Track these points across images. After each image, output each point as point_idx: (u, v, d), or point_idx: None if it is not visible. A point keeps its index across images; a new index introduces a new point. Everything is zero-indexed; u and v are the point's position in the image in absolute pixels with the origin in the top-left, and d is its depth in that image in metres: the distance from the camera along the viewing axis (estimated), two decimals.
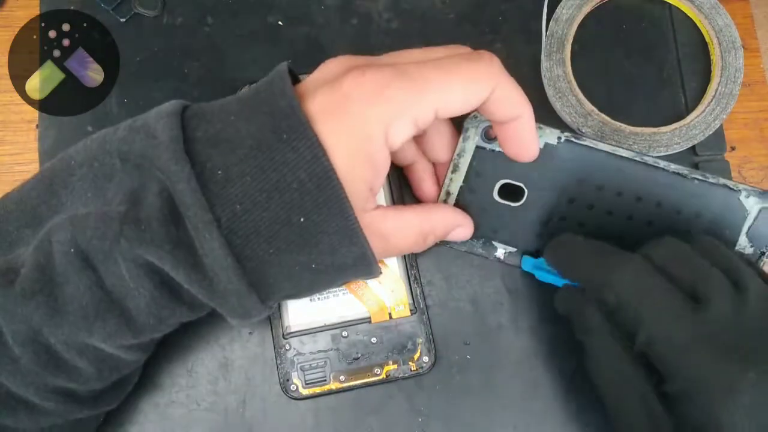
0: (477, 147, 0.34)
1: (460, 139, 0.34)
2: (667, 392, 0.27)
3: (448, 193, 0.35)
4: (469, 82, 0.28)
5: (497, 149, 0.34)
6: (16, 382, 0.27)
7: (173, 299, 0.27)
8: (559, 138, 0.34)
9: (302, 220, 0.26)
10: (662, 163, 0.34)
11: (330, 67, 0.29)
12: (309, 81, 0.29)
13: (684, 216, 0.34)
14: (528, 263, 0.35)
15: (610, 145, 0.34)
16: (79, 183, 0.27)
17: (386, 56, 0.30)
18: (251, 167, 0.26)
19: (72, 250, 0.26)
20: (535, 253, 0.36)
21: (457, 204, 0.35)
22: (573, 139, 0.34)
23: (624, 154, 0.34)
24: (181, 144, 0.26)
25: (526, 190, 0.34)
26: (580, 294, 0.32)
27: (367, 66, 0.27)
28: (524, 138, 0.30)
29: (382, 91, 0.26)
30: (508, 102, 0.29)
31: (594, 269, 0.31)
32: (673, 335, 0.27)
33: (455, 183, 0.35)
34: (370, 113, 0.26)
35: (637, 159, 0.33)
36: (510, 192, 0.35)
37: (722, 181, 0.33)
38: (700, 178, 0.33)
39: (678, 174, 0.33)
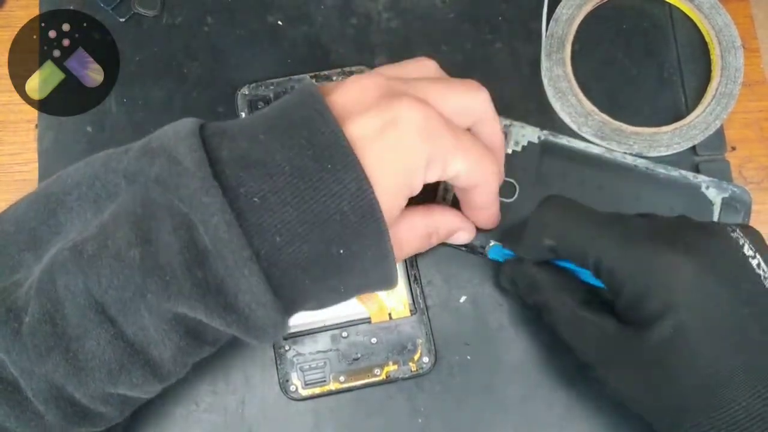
0: None
1: None
2: (620, 311, 0.29)
3: (446, 190, 0.36)
4: (485, 173, 0.30)
5: None
6: None
7: (199, 344, 0.27)
8: (539, 137, 0.37)
9: (342, 251, 0.25)
10: (629, 159, 0.36)
11: (366, 86, 0.27)
12: (343, 100, 0.27)
13: (660, 210, 0.34)
14: (495, 251, 0.36)
15: (585, 142, 0.36)
16: (78, 203, 0.26)
17: (419, 83, 0.29)
18: (292, 196, 0.24)
19: (85, 302, 0.24)
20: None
21: (454, 200, 0.35)
22: (551, 137, 0.36)
23: (596, 151, 0.36)
24: (208, 168, 0.24)
25: (517, 186, 0.36)
26: (522, 262, 0.33)
27: (417, 99, 0.27)
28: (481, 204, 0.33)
29: (432, 131, 0.27)
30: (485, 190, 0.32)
31: (530, 229, 0.32)
32: (612, 244, 0.28)
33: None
34: (419, 147, 0.26)
35: (607, 156, 0.36)
36: (503, 190, 0.35)
37: (683, 173, 0.36)
38: (663, 172, 0.36)
39: (645, 169, 0.36)
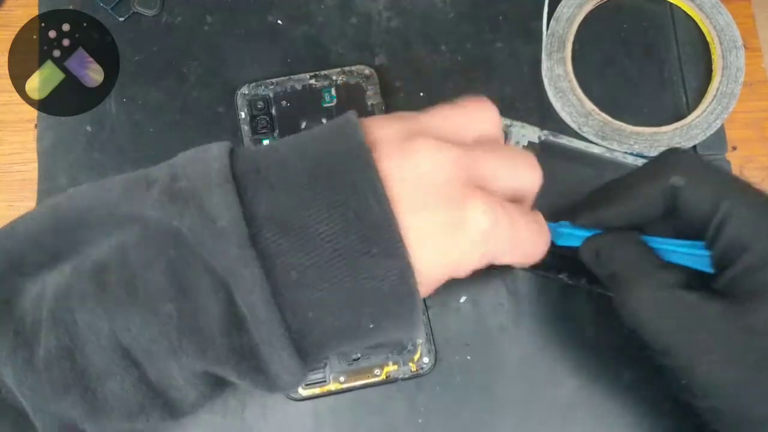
0: None
1: None
2: (726, 282, 0.27)
3: None
4: (529, 259, 0.28)
5: None
6: None
7: (221, 391, 0.26)
8: (540, 137, 0.37)
9: (371, 326, 0.24)
10: (630, 159, 0.36)
11: (440, 166, 0.24)
12: (408, 176, 0.24)
13: None
14: (567, 234, 0.33)
15: (585, 142, 0.37)
16: (98, 225, 0.25)
17: (488, 163, 0.26)
18: (331, 275, 0.23)
19: (109, 344, 0.23)
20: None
21: None
22: (551, 138, 0.37)
23: (596, 151, 0.37)
24: (245, 229, 0.22)
25: None
26: (613, 234, 0.30)
27: (490, 202, 0.25)
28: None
29: (496, 236, 0.25)
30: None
31: (649, 172, 0.29)
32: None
33: None
34: (476, 252, 0.25)
35: (607, 155, 0.36)
36: None
37: None
38: None
39: None
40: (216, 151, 0.24)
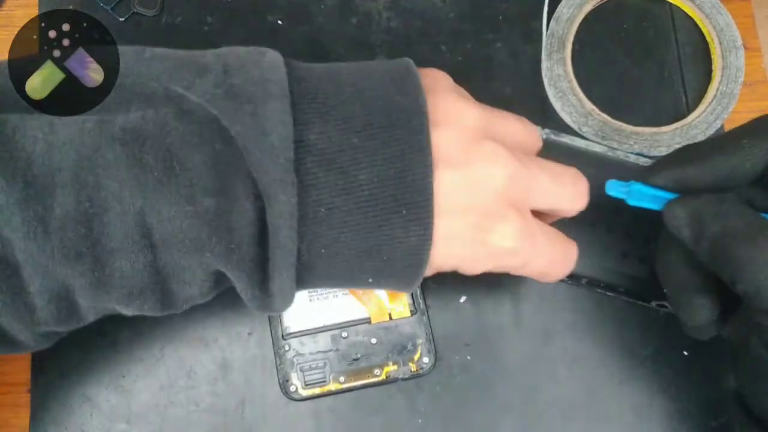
0: None
1: None
2: None
3: None
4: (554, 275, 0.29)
5: None
6: (18, 327, 0.24)
7: (215, 292, 0.26)
8: (542, 135, 0.36)
9: (370, 281, 0.26)
10: (632, 157, 0.36)
11: (494, 173, 0.25)
12: (456, 163, 0.25)
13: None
14: (615, 187, 0.30)
15: (586, 140, 0.36)
16: (129, 93, 0.23)
17: (535, 179, 0.27)
18: (356, 222, 0.24)
19: (133, 221, 0.22)
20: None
21: None
22: (552, 136, 0.36)
23: (598, 149, 0.36)
24: (292, 155, 0.22)
25: None
26: (715, 198, 0.25)
27: (530, 226, 0.26)
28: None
29: (513, 251, 0.26)
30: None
31: (755, 124, 0.26)
32: None
33: None
34: (492, 262, 0.27)
35: (610, 155, 0.36)
36: None
37: None
38: None
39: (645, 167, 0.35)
40: (272, 57, 0.24)
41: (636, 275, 0.34)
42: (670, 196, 0.27)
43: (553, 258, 0.28)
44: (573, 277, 0.35)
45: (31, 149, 0.22)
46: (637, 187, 0.28)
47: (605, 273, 0.35)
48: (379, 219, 0.24)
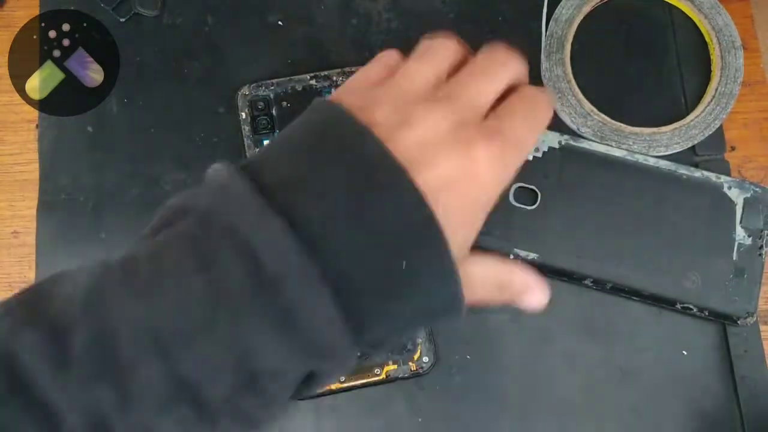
0: None
1: None
2: None
3: None
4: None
5: None
6: None
7: (255, 393, 0.25)
8: (560, 141, 0.36)
9: (403, 265, 0.25)
10: (651, 160, 0.36)
11: (438, 125, 0.26)
12: (411, 140, 0.26)
13: (683, 212, 0.34)
14: None
15: (605, 145, 0.36)
16: None
17: (472, 93, 0.28)
18: (347, 217, 0.24)
19: (141, 329, 0.23)
20: None
21: None
22: (572, 142, 0.36)
23: (618, 154, 0.36)
24: (259, 193, 0.23)
25: (539, 193, 0.36)
26: None
27: (494, 133, 0.26)
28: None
29: (504, 161, 0.27)
30: None
31: None
32: None
33: None
34: (496, 183, 0.26)
35: (629, 158, 0.36)
36: (525, 198, 0.36)
37: (705, 174, 0.35)
38: (686, 173, 0.36)
39: (668, 171, 0.35)
40: (216, 166, 0.25)
41: (662, 281, 0.34)
42: None
43: (526, 114, 0.28)
44: (598, 283, 0.35)
45: (58, 303, 0.24)
46: None
47: (633, 280, 0.35)
48: (365, 203, 0.24)
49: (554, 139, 0.36)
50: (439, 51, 0.29)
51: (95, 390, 0.23)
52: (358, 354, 0.27)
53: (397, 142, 0.26)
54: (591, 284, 0.35)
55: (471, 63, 0.29)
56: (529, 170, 0.36)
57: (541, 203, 0.36)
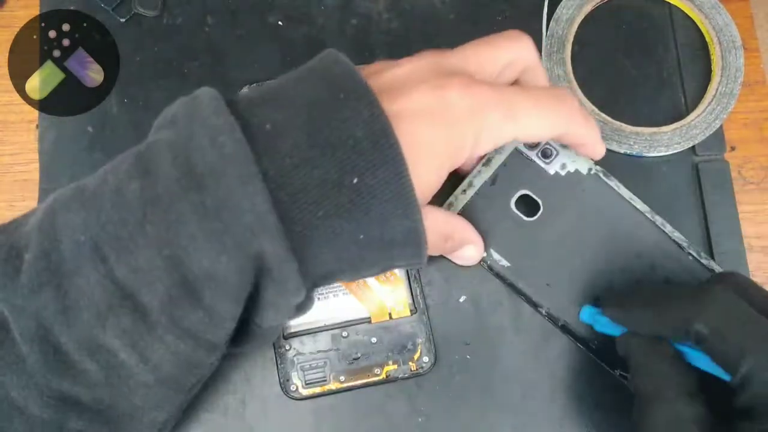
0: (515, 149, 0.35)
1: None
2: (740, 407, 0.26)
3: (470, 184, 0.35)
4: (553, 123, 0.29)
5: (532, 158, 0.35)
6: (20, 384, 0.25)
7: (192, 300, 0.24)
8: (590, 169, 0.34)
9: (355, 181, 0.24)
10: (668, 228, 0.34)
11: (416, 67, 0.28)
12: (389, 78, 0.28)
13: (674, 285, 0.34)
14: (588, 313, 0.33)
15: (629, 192, 0.34)
16: None
17: (460, 55, 0.29)
18: (303, 122, 0.24)
19: (81, 237, 0.24)
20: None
21: (474, 200, 0.34)
22: (601, 176, 0.34)
23: (638, 206, 0.34)
24: (222, 100, 0.24)
25: (541, 207, 0.34)
26: (650, 344, 0.29)
27: (471, 79, 0.27)
28: (589, 150, 0.33)
29: (482, 109, 0.27)
30: (579, 138, 0.31)
31: (678, 306, 0.29)
32: None
33: (482, 176, 0.35)
34: (469, 127, 0.26)
35: (647, 215, 0.34)
36: (526, 207, 0.35)
37: (711, 265, 0.34)
38: (694, 255, 0.34)
39: (676, 243, 0.34)
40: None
41: (609, 340, 0.33)
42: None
43: (540, 103, 0.29)
44: (534, 302, 0.35)
45: (23, 231, 0.26)
46: (604, 319, 0.32)
47: (583, 326, 0.34)
48: (324, 111, 0.25)
49: (585, 165, 0.34)
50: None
51: (39, 298, 0.24)
52: (309, 286, 0.25)
53: (376, 79, 0.27)
54: (545, 315, 0.35)
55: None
56: (544, 183, 0.34)
57: (539, 219, 0.34)
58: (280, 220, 0.23)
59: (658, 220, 0.34)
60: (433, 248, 0.31)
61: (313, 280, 0.26)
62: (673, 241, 0.34)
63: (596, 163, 0.34)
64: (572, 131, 0.30)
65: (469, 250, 0.33)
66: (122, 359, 0.25)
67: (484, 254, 0.34)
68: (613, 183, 0.34)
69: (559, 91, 0.30)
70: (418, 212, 0.25)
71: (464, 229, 0.32)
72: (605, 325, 0.32)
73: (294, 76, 0.26)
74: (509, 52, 0.30)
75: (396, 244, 0.26)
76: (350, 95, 0.24)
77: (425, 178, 0.26)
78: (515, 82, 0.32)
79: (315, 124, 0.24)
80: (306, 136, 0.24)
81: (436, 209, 0.31)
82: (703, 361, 0.29)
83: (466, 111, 0.26)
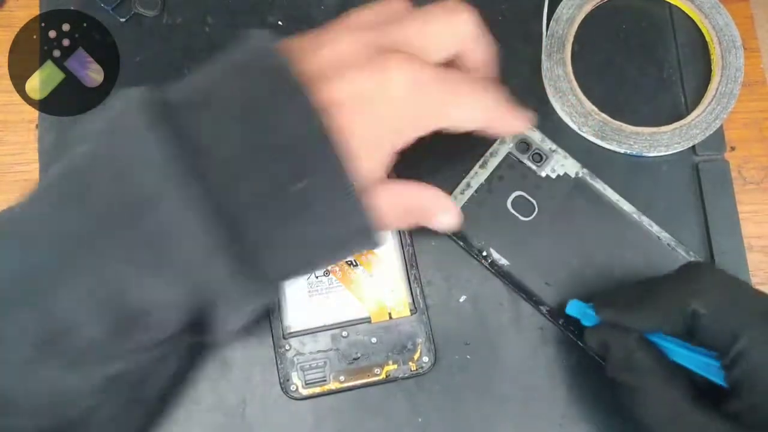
0: (509, 153, 0.37)
1: (497, 141, 0.37)
2: (741, 409, 0.26)
3: (468, 185, 0.37)
4: (487, 115, 0.28)
5: (526, 162, 0.37)
6: None
7: (129, 333, 0.23)
8: (577, 173, 0.37)
9: (299, 186, 0.23)
10: (655, 228, 0.36)
11: (354, 44, 0.26)
12: (325, 59, 0.26)
13: None
14: (576, 307, 0.34)
15: (618, 195, 0.36)
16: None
17: (396, 28, 0.27)
18: (240, 130, 0.23)
19: (9, 275, 0.23)
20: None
21: (472, 200, 0.36)
22: (588, 178, 0.36)
23: (625, 208, 0.36)
24: (152, 107, 0.23)
25: (536, 208, 0.36)
26: (623, 333, 0.30)
27: (411, 57, 0.26)
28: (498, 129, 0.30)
29: (421, 88, 0.25)
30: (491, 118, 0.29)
31: (671, 289, 0.29)
32: None
33: (478, 178, 0.37)
34: (410, 109, 0.25)
35: (634, 217, 0.36)
36: (522, 207, 0.36)
37: (697, 260, 0.35)
38: (683, 253, 0.36)
39: (663, 241, 0.36)
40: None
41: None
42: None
43: (476, 100, 0.27)
44: (535, 300, 0.36)
45: None
46: (591, 312, 0.32)
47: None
48: (258, 114, 0.23)
49: (573, 168, 0.37)
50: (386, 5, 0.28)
51: None
52: (263, 289, 0.25)
53: (310, 61, 0.25)
54: (545, 313, 0.36)
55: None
56: (538, 185, 0.36)
57: (535, 219, 0.36)
58: (227, 239, 0.22)
59: (645, 220, 0.36)
60: (396, 223, 0.29)
61: (268, 282, 0.25)
62: (659, 239, 0.36)
63: (596, 162, 0.36)
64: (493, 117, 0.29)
65: (439, 217, 0.30)
66: (68, 385, 0.24)
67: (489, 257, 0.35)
68: (599, 185, 0.36)
69: (481, 82, 0.29)
70: (363, 208, 0.24)
71: (425, 197, 0.30)
72: (593, 319, 0.32)
73: (223, 70, 0.25)
74: (446, 28, 0.28)
75: (347, 239, 0.26)
76: (284, 94, 0.23)
77: (370, 166, 0.25)
78: (455, 59, 0.30)
79: (252, 131, 0.23)
80: (242, 144, 0.23)
81: (390, 184, 0.28)
82: (687, 359, 0.29)
83: (406, 93, 0.25)
